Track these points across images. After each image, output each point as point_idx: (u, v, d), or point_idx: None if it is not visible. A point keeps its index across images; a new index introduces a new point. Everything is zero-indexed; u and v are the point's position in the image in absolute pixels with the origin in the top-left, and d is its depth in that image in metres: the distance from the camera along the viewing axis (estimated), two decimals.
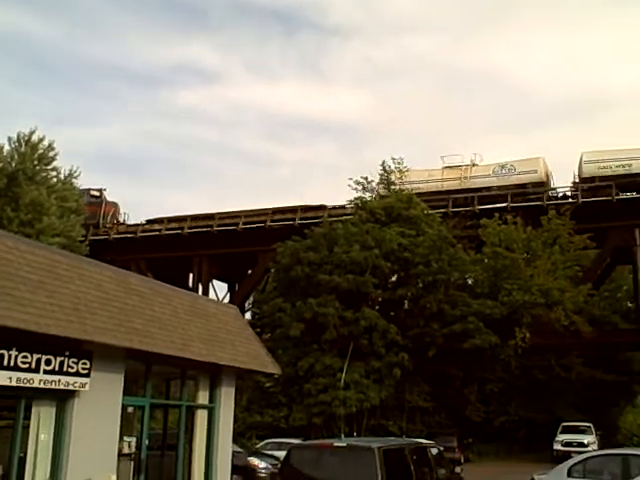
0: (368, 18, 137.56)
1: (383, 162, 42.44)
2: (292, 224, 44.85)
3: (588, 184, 42.51)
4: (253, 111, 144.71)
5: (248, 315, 41.11)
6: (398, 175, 42.29)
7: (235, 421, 17.34)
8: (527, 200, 42.64)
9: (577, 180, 43.80)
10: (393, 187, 41.58)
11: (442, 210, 41.50)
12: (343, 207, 45.00)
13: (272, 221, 46.42)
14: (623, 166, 42.40)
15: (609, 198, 41.22)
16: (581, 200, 41.26)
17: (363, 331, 33.57)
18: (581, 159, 43.84)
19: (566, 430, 34.70)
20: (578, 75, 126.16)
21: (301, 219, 45.01)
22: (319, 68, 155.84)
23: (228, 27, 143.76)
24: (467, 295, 36.36)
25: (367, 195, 41.58)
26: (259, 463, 22.03)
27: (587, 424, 35.48)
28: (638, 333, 36.48)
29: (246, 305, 47.60)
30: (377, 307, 36.63)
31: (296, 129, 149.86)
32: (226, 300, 46.22)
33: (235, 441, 18.30)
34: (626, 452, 15.47)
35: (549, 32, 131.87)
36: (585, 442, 32.66)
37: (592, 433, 34.37)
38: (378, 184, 42.30)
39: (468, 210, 42.31)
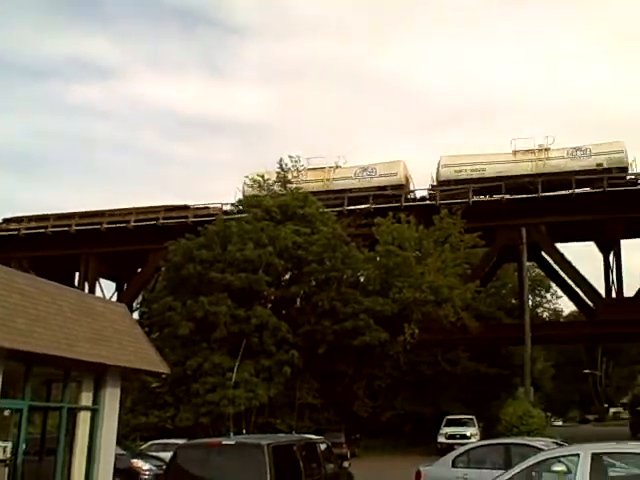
0: (270, 19, 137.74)
1: (280, 160, 42.40)
2: (185, 222, 44.32)
3: (445, 187, 43.97)
4: (151, 107, 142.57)
5: (136, 314, 40.13)
6: (295, 174, 42.27)
7: (119, 423, 16.86)
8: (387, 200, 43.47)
9: (435, 183, 45.06)
10: (289, 185, 41.53)
11: (338, 209, 41.76)
12: (207, 207, 45.92)
13: (164, 219, 45.65)
14: (477, 170, 44.16)
15: (497, 198, 42.48)
16: (471, 200, 42.31)
17: (254, 329, 33.46)
18: (439, 163, 45.31)
19: (450, 423, 35.60)
20: (470, 80, 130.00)
21: (195, 217, 44.46)
22: (220, 66, 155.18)
23: (126, 21, 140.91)
24: (359, 293, 36.71)
25: (263, 193, 41.33)
26: (143, 465, 21.58)
27: (470, 416, 36.51)
28: (521, 328, 37.63)
29: (134, 304, 46.58)
30: (270, 305, 36.63)
31: (195, 126, 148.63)
32: (114, 299, 44.98)
33: (119, 443, 17.81)
34: (507, 442, 16.00)
35: (444, 39, 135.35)
36: (468, 434, 33.60)
37: (474, 425, 35.39)
38: (275, 182, 42.15)
39: (363, 209, 42.74)
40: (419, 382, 39.31)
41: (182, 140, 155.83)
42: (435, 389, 40.04)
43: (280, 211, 38.19)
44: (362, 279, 39.80)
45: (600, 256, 49.03)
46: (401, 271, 37.44)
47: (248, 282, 34.01)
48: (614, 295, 44.47)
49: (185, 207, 46.92)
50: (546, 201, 42.09)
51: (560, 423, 78.72)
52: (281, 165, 42.46)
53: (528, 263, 45.05)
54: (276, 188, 41.95)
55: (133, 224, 46.00)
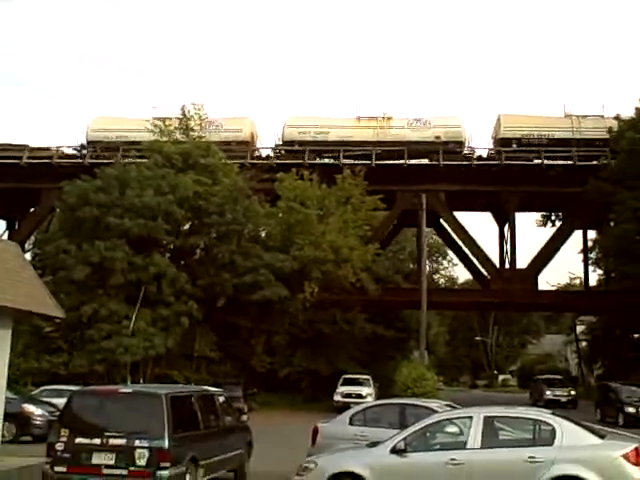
0: None
1: (183, 107, 41.20)
2: (81, 162, 42.71)
3: (289, 147, 44.64)
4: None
5: (29, 256, 38.54)
6: (197, 121, 41.22)
7: (9, 367, 16.08)
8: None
9: (280, 142, 45.43)
10: (192, 133, 40.49)
11: (240, 161, 41.13)
12: (47, 149, 44.88)
13: (59, 157, 43.80)
14: (321, 133, 44.63)
15: (400, 162, 42.89)
16: (374, 162, 42.52)
17: (152, 278, 32.61)
18: (285, 123, 45.55)
19: (346, 382, 35.87)
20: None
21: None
22: None
23: None
24: (260, 247, 36.40)
25: (164, 139, 40.13)
26: (34, 410, 20.81)
27: (366, 377, 36.91)
28: (417, 293, 38.20)
29: (27, 245, 44.71)
30: (168, 255, 35.83)
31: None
32: (4, 238, 43.03)
33: (9, 387, 17.01)
34: (402, 402, 16.20)
35: None
36: (363, 394, 33.92)
37: (370, 385, 35.80)
38: (176, 128, 41.01)
39: (265, 163, 42.26)
40: (317, 340, 39.39)
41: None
42: (332, 348, 40.25)
43: (182, 159, 37.15)
44: (263, 234, 39.57)
45: (496, 227, 50.50)
46: (302, 228, 37.39)
47: (146, 229, 33.05)
48: (507, 266, 45.74)
49: (22, 147, 45.25)
50: (447, 169, 42.80)
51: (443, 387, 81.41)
52: (183, 112, 41.31)
53: (427, 229, 45.83)
54: (178, 135, 40.79)
55: (26, 161, 43.89)
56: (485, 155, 44.90)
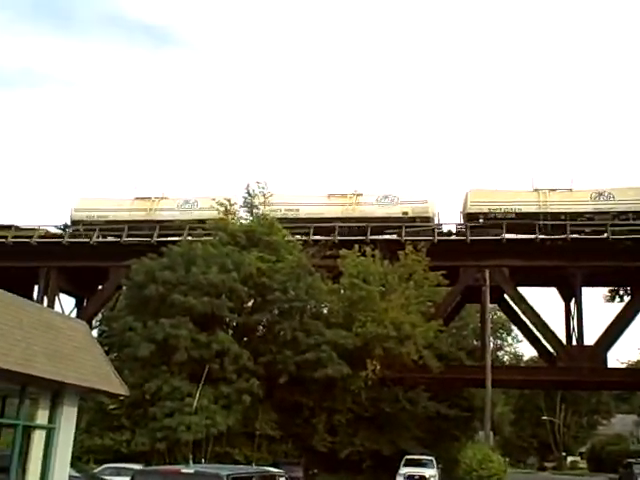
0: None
1: (247, 185, 42.09)
2: (149, 241, 43.64)
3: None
4: None
5: (95, 332, 39.25)
6: (262, 199, 41.96)
7: (74, 444, 16.28)
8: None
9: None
10: (256, 211, 41.20)
11: (303, 238, 41.54)
12: (33, 229, 46.40)
13: (128, 236, 44.94)
14: (292, 210, 44.55)
15: (464, 238, 42.69)
16: (437, 238, 42.40)
17: (215, 355, 32.77)
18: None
19: (409, 463, 35.14)
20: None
21: (159, 236, 43.93)
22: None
23: None
24: (322, 324, 36.31)
25: (229, 217, 40.95)
26: None
27: (429, 457, 36.12)
28: (482, 371, 37.60)
29: (94, 322, 45.61)
30: (231, 332, 36.00)
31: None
32: (73, 316, 44.00)
33: (72, 465, 17.20)
34: None
35: None
36: (426, 475, 33.23)
37: (434, 467, 35.01)
38: (241, 207, 41.85)
39: (328, 240, 42.58)
40: (379, 419, 38.81)
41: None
42: (395, 427, 39.59)
43: (246, 236, 37.81)
44: (325, 311, 39.52)
45: (562, 303, 49.48)
46: (365, 305, 37.26)
47: (211, 307, 33.44)
48: (574, 342, 44.64)
49: (9, 227, 46.83)
50: (510, 244, 42.40)
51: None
52: (248, 190, 42.19)
53: (491, 305, 45.22)
54: (242, 214, 41.64)
55: (96, 240, 45.23)
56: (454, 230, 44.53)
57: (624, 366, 51.46)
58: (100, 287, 48.15)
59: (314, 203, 45.63)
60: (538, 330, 45.10)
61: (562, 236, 42.03)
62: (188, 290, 33.61)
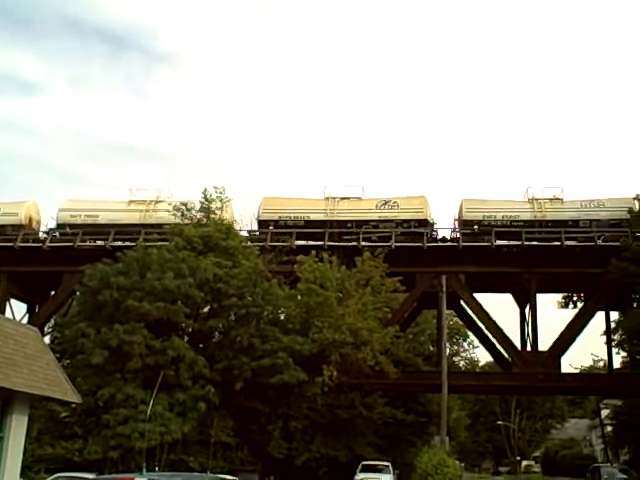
0: (199, 49, 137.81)
1: (205, 190, 41.72)
2: (104, 246, 43.05)
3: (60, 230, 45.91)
4: (71, 128, 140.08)
5: (48, 339, 38.49)
6: (219, 204, 41.65)
7: (24, 453, 15.88)
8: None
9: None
10: (213, 216, 40.88)
11: (260, 243, 41.35)
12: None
13: (82, 241, 44.24)
14: (91, 216, 45.57)
15: (420, 244, 42.86)
16: (394, 244, 42.50)
17: (170, 361, 32.32)
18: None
19: (365, 469, 35.12)
20: None
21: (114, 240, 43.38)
22: (145, 92, 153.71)
23: (52, 39, 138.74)
24: (278, 330, 36.13)
25: (185, 222, 40.56)
26: None
27: (386, 463, 36.17)
28: (438, 376, 37.77)
29: (46, 328, 44.76)
30: (187, 338, 35.61)
31: (116, 151, 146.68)
32: (25, 322, 43.10)
33: (22, 474, 16.78)
34: None
35: None
36: None
37: (390, 472, 35.07)
38: (198, 212, 41.45)
39: (285, 245, 42.44)
40: (335, 425, 38.58)
41: (99, 162, 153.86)
42: (351, 433, 39.45)
43: (202, 242, 37.47)
44: (282, 317, 39.39)
45: (517, 309, 50.00)
46: (322, 311, 37.25)
47: (166, 312, 32.99)
48: (529, 348, 45.11)
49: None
50: (466, 251, 42.76)
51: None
52: (205, 195, 41.83)
53: (447, 311, 45.51)
54: (199, 216, 41.22)
55: (48, 245, 44.44)
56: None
57: (577, 371, 51.98)
58: (53, 293, 47.37)
59: (113, 209, 46.00)
60: (493, 336, 45.54)
61: (517, 243, 42.57)
62: (143, 296, 33.11)
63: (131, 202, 46.30)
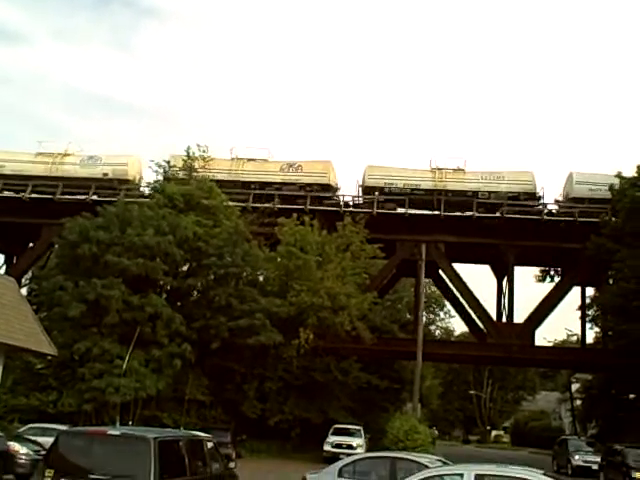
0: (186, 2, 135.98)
1: (188, 148, 41.44)
2: (84, 200, 42.75)
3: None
4: (53, 79, 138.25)
5: (25, 291, 38.33)
6: (202, 163, 41.40)
7: None
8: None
9: None
10: (195, 174, 40.64)
11: (242, 204, 41.21)
12: None
13: (62, 194, 43.87)
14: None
15: (402, 212, 42.97)
16: (376, 210, 42.57)
17: (147, 318, 32.40)
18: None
19: (337, 432, 35.44)
20: None
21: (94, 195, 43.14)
22: (130, 45, 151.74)
23: None
24: (257, 291, 36.29)
25: (167, 180, 40.31)
26: (20, 448, 20.47)
27: (357, 427, 36.48)
28: (413, 344, 38.04)
29: (24, 280, 44.50)
30: (165, 295, 35.60)
31: (96, 103, 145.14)
32: (2, 272, 42.85)
33: None
34: (393, 455, 16.08)
35: None
36: (354, 445, 33.53)
37: (361, 436, 35.36)
38: (180, 169, 41.20)
39: (267, 207, 42.36)
40: (310, 388, 38.84)
41: (80, 116, 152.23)
42: (325, 396, 39.72)
43: (183, 200, 37.29)
44: (261, 278, 39.48)
45: (494, 280, 50.37)
46: (301, 274, 37.40)
47: (145, 269, 32.91)
48: (504, 320, 45.55)
49: None
50: (447, 220, 42.90)
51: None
52: (188, 153, 41.56)
53: (425, 280, 45.75)
54: (181, 175, 41.02)
55: (28, 195, 44.02)
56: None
57: (551, 345, 52.50)
58: (31, 245, 47.06)
59: (20, 160, 45.56)
60: (470, 306, 45.95)
61: (497, 215, 42.75)
62: (122, 251, 33.03)
63: (39, 154, 45.92)
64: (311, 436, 37.41)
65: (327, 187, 44.35)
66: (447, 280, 47.30)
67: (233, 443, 29.24)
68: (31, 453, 20.23)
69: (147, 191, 43.24)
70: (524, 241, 42.86)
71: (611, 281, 41.76)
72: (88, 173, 44.79)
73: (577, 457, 35.68)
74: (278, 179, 44.21)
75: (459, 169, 44.74)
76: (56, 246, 38.75)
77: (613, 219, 40.22)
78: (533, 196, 43.84)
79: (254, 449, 35.28)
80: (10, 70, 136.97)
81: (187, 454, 12.93)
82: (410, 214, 43.19)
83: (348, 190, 45.58)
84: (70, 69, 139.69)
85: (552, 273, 51.87)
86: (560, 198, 44.85)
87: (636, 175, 40.08)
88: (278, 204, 42.75)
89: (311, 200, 43.23)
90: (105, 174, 44.62)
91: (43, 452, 15.84)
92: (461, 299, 47.17)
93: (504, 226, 42.49)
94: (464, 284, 44.56)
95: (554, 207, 44.47)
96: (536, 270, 52.60)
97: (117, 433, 12.70)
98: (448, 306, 64.80)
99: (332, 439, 34.41)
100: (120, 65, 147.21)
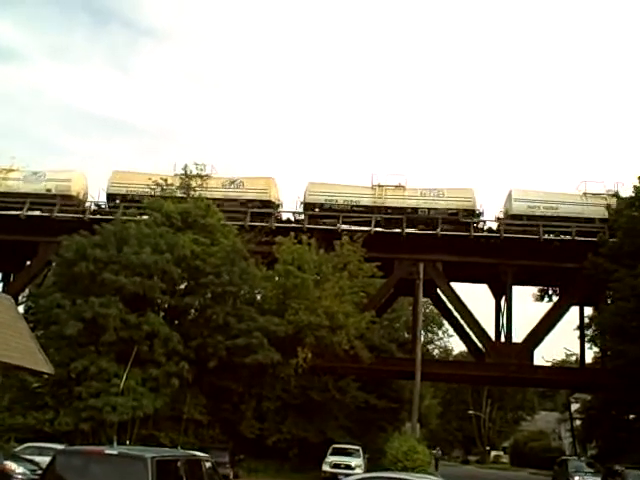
0: (181, 23, 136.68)
1: (185, 166, 41.44)
2: (82, 218, 42.70)
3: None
4: (51, 97, 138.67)
5: (22, 309, 38.15)
6: (199, 181, 41.41)
7: None
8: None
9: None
10: (192, 193, 40.62)
11: (239, 223, 41.16)
12: None
13: (60, 211, 43.80)
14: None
15: (399, 231, 42.93)
16: (373, 229, 42.54)
17: (145, 336, 32.25)
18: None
19: (336, 452, 35.24)
20: None
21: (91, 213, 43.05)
22: (126, 65, 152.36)
23: (33, 6, 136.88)
24: (255, 310, 36.18)
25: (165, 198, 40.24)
26: (16, 468, 20.27)
27: (356, 447, 36.28)
28: (411, 363, 37.86)
29: (20, 297, 44.29)
30: (162, 313, 35.48)
31: (93, 122, 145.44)
32: None
33: None
34: (392, 476, 15.88)
35: None
36: (352, 465, 33.34)
37: (360, 456, 35.16)
38: (177, 188, 41.18)
39: (265, 226, 42.32)
40: (308, 407, 38.67)
41: (77, 135, 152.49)
42: (323, 416, 39.55)
43: (181, 218, 37.25)
44: (259, 297, 39.37)
45: (493, 300, 50.23)
46: (299, 293, 37.27)
47: (142, 287, 32.83)
48: (503, 339, 45.38)
49: None
50: (445, 239, 42.86)
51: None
52: (185, 171, 41.51)
53: (423, 299, 45.64)
54: (179, 193, 41.00)
55: (26, 213, 43.91)
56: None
57: (549, 364, 52.40)
58: (28, 262, 46.91)
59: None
60: (468, 325, 45.79)
61: (496, 234, 42.74)
62: (119, 269, 32.92)
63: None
64: (309, 456, 37.18)
65: (268, 204, 44.30)
66: (445, 299, 47.17)
67: (231, 463, 29.10)
68: (28, 472, 20.05)
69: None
70: (522, 260, 42.78)
71: (609, 300, 41.67)
72: (31, 189, 44.66)
73: (577, 478, 35.40)
74: (219, 195, 43.66)
75: (400, 186, 44.86)
76: (53, 264, 38.60)
77: (610, 240, 40.19)
78: (472, 213, 44.13)
79: (252, 469, 35.05)
80: (7, 87, 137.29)
81: (185, 474, 12.73)
82: (408, 233, 43.15)
83: (291, 207, 45.41)
84: (67, 87, 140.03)
85: (550, 292, 51.83)
86: (501, 215, 44.97)
87: (633, 195, 40.19)
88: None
89: (251, 217, 43.08)
90: (48, 190, 44.53)
91: (40, 472, 15.65)
92: (459, 318, 47.05)
93: (502, 245, 42.48)
94: (462, 303, 44.46)
95: (494, 224, 44.62)
96: (534, 289, 52.59)
97: (114, 452, 12.52)
98: (446, 325, 64.68)
99: (330, 459, 34.22)
100: (118, 84, 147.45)
